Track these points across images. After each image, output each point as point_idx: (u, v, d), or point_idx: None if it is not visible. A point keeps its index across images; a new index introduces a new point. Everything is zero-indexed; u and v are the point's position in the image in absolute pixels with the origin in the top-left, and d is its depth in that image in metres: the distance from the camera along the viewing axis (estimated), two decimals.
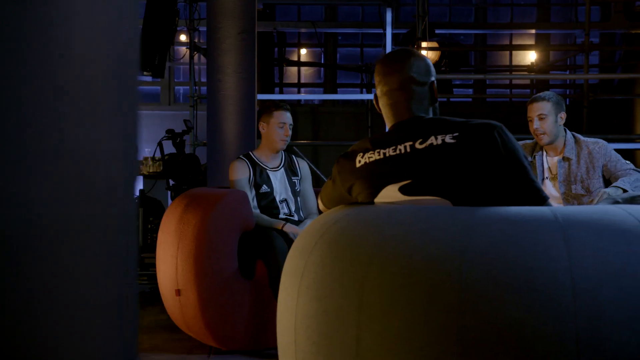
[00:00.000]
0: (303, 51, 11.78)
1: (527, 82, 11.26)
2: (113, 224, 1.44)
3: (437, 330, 1.57)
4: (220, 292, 3.24)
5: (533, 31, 11.38)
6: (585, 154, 3.63)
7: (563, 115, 3.69)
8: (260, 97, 7.62)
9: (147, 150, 8.18)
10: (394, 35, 9.84)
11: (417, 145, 1.91)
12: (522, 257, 1.56)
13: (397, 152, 1.93)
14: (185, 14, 8.11)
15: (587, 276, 1.53)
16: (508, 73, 11.74)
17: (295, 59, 11.77)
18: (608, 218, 1.64)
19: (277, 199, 3.79)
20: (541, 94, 3.74)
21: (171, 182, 6.39)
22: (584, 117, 8.04)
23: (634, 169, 3.52)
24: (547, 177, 3.72)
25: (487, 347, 1.53)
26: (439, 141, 1.89)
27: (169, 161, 6.40)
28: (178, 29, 8.22)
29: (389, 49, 7.69)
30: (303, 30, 10.75)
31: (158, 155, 6.83)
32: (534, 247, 1.57)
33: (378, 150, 1.96)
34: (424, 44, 8.73)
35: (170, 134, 6.49)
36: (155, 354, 3.36)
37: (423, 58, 2.06)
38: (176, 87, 11.21)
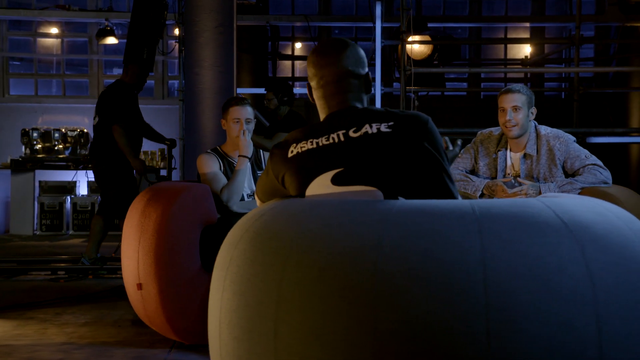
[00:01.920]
0: (298, 45, 11.75)
1: (522, 75, 11.20)
2: None
3: (351, 323, 1.56)
4: (181, 286, 3.24)
5: (528, 24, 11.32)
6: (545, 150, 3.58)
7: (534, 110, 3.66)
8: (240, 90, 7.61)
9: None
10: (387, 29, 9.81)
11: (351, 134, 1.90)
12: (435, 250, 1.55)
13: (331, 141, 1.91)
14: (174, 7, 8.09)
15: (499, 268, 1.52)
16: (502, 66, 11.68)
17: (290, 52, 11.74)
18: (525, 210, 1.63)
19: (245, 193, 3.78)
20: (515, 85, 3.69)
21: None
22: (575, 111, 7.99)
23: (593, 164, 3.48)
24: (509, 174, 3.69)
25: (400, 340, 1.53)
26: (374, 130, 1.88)
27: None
28: (167, 22, 8.22)
29: (378, 43, 7.66)
30: (298, 24, 10.72)
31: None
32: (448, 239, 1.57)
33: (311, 139, 1.94)
34: (411, 38, 8.71)
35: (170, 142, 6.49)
36: (118, 347, 3.37)
37: (358, 49, 2.04)
38: (170, 81, 11.20)
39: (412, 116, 1.90)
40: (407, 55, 6.84)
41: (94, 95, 11.05)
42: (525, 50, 11.57)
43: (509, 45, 11.84)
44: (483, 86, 11.72)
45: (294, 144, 1.96)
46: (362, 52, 2.04)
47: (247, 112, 3.85)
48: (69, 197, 9.55)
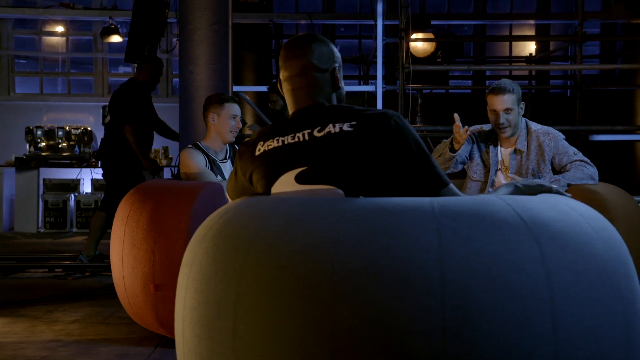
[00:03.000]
0: None
1: (526, 73, 11.14)
2: None
3: (309, 322, 1.56)
4: None
5: (532, 21, 11.26)
6: (535, 146, 3.56)
7: (523, 105, 3.63)
8: (241, 89, 7.61)
9: None
10: (390, 27, 9.78)
11: (316, 133, 1.90)
12: (393, 248, 1.54)
13: (296, 139, 1.91)
14: (175, 5, 8.10)
15: (456, 266, 1.52)
16: (506, 64, 11.62)
17: None
18: (485, 208, 1.62)
19: None
20: (504, 84, 3.61)
21: None
22: (577, 108, 7.94)
23: (581, 160, 3.46)
24: (499, 169, 3.67)
25: (357, 337, 1.53)
26: (337, 129, 1.88)
27: None
28: (169, 20, 8.22)
29: (380, 40, 7.63)
30: (302, 22, 10.70)
31: None
32: (406, 237, 1.56)
33: (277, 137, 1.94)
34: (414, 36, 8.68)
35: None
36: (104, 345, 3.37)
37: (327, 44, 2.04)
38: (175, 80, 11.22)
39: (378, 114, 1.89)
40: (407, 52, 6.81)
41: (98, 93, 11.09)
42: (531, 47, 11.51)
43: (514, 43, 11.79)
44: (488, 84, 11.67)
45: (261, 142, 1.97)
46: (331, 49, 2.04)
47: (239, 110, 3.92)
48: (72, 195, 9.59)
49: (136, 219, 3.28)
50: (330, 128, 1.88)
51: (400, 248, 1.54)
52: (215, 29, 4.97)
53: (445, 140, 3.75)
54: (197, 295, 1.75)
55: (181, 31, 5.03)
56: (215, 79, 5.02)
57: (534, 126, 3.62)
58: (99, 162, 6.33)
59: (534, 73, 10.95)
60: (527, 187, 2.03)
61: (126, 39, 7.64)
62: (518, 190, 2.02)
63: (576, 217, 1.68)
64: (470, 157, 3.76)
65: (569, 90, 11.52)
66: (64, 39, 11.35)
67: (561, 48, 10.64)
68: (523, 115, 3.66)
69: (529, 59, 10.68)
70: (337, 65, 2.04)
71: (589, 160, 3.47)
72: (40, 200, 9.54)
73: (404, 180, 1.87)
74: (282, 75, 2.04)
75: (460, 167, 3.77)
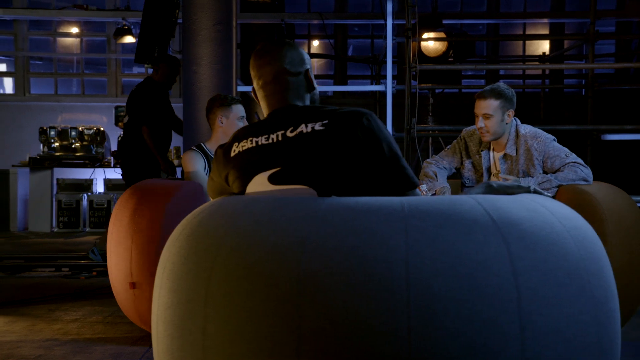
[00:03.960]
0: (315, 42, 11.74)
1: (540, 72, 11.06)
2: None
3: (276, 321, 1.55)
4: None
5: (546, 20, 11.18)
6: (523, 150, 3.54)
7: (511, 113, 3.58)
8: (243, 88, 7.61)
9: None
10: (402, 26, 9.75)
11: (289, 134, 1.90)
12: (360, 247, 1.54)
13: (270, 140, 1.92)
14: None
15: (422, 266, 1.51)
16: (520, 63, 11.55)
17: (306, 50, 11.74)
18: (454, 208, 1.61)
19: None
20: (491, 88, 3.59)
21: None
22: (589, 108, 7.87)
23: (573, 162, 3.42)
24: (492, 174, 3.67)
25: (323, 337, 1.52)
26: (309, 129, 1.88)
27: None
28: (179, 21, 8.25)
29: (389, 40, 7.62)
30: (315, 21, 10.70)
31: None
32: (373, 237, 1.55)
33: (251, 138, 1.95)
34: (425, 35, 8.64)
35: None
36: (99, 344, 3.39)
37: (296, 47, 2.06)
38: None
39: (350, 113, 1.88)
40: (413, 52, 6.78)
41: (112, 94, 11.15)
42: (545, 46, 11.42)
43: (528, 42, 11.71)
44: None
45: (236, 143, 1.98)
46: (300, 52, 2.05)
47: (244, 110, 3.94)
48: (85, 195, 9.65)
49: (120, 218, 3.32)
50: (302, 128, 1.88)
51: (368, 248, 1.53)
52: (219, 29, 4.98)
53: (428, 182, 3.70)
54: (170, 294, 1.76)
55: (184, 31, 5.04)
56: (218, 79, 5.03)
57: (523, 130, 3.59)
58: (119, 163, 6.37)
59: (547, 72, 10.87)
60: (503, 187, 2.01)
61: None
62: (492, 190, 2.00)
63: (548, 217, 1.66)
64: (462, 163, 3.76)
65: (583, 90, 11.42)
66: (78, 40, 11.43)
67: (574, 47, 10.55)
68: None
69: (542, 58, 10.60)
70: (308, 67, 2.05)
71: (582, 161, 3.44)
72: (53, 200, 9.61)
73: (375, 180, 1.87)
74: (256, 83, 2.06)
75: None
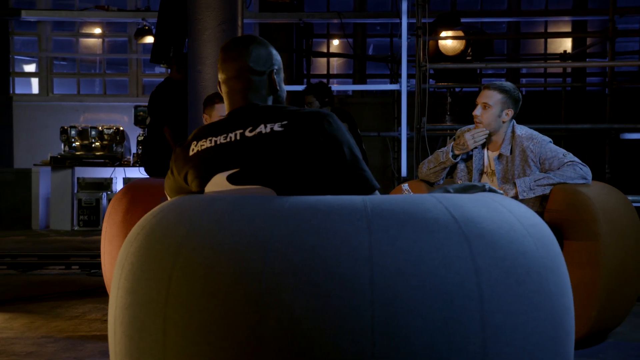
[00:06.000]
0: (335, 42, 11.72)
1: (561, 70, 10.92)
2: None
3: (237, 322, 1.55)
4: None
5: (567, 18, 11.04)
6: (519, 152, 3.51)
7: (510, 112, 3.55)
8: None
9: None
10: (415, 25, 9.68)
11: (247, 134, 1.89)
12: (322, 247, 1.53)
13: (228, 140, 1.91)
14: None
15: (385, 265, 1.50)
16: (542, 61, 11.41)
17: (326, 49, 11.72)
18: (417, 207, 1.60)
19: None
20: (500, 83, 3.61)
21: None
22: (607, 106, 7.75)
23: (572, 161, 3.38)
24: (485, 173, 3.63)
25: (285, 338, 1.51)
26: (268, 129, 1.87)
27: None
28: None
29: (404, 38, 7.57)
30: (335, 21, 10.68)
31: None
32: (336, 236, 1.55)
33: (210, 137, 1.94)
34: (444, 33, 8.58)
35: None
36: (92, 342, 3.41)
37: (265, 46, 2.03)
38: None
39: (310, 114, 1.87)
40: (431, 50, 6.74)
41: (133, 93, 11.25)
42: (567, 44, 11.28)
43: (549, 40, 11.57)
44: (522, 82, 11.47)
45: (195, 142, 1.97)
46: (269, 51, 2.03)
47: None
48: (105, 194, 9.75)
49: (113, 217, 3.34)
50: (261, 128, 1.87)
51: (330, 247, 1.52)
52: (224, 28, 4.99)
53: (439, 150, 3.71)
54: (128, 295, 1.75)
55: (190, 31, 5.06)
56: None
57: (519, 131, 3.57)
58: (142, 164, 6.43)
59: (568, 70, 10.73)
60: (458, 189, 1.99)
61: None
62: (448, 192, 1.98)
63: (507, 215, 1.66)
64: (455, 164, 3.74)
65: (606, 88, 11.25)
66: (100, 40, 11.55)
67: (596, 44, 10.39)
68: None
69: (563, 56, 10.47)
70: (275, 67, 2.03)
71: (580, 161, 3.40)
72: (74, 198, 9.73)
73: (334, 183, 1.85)
74: (220, 77, 2.05)
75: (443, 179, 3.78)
